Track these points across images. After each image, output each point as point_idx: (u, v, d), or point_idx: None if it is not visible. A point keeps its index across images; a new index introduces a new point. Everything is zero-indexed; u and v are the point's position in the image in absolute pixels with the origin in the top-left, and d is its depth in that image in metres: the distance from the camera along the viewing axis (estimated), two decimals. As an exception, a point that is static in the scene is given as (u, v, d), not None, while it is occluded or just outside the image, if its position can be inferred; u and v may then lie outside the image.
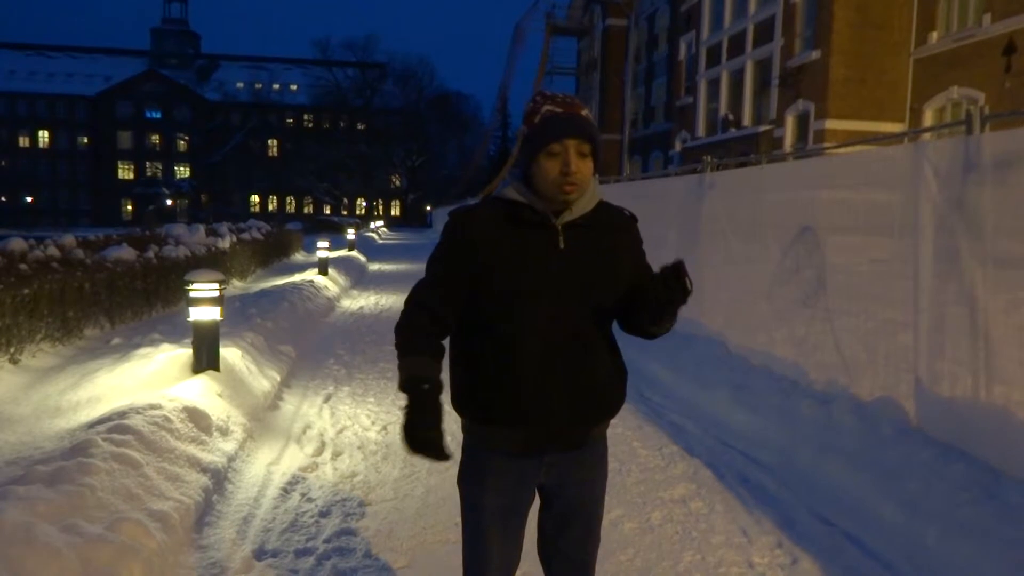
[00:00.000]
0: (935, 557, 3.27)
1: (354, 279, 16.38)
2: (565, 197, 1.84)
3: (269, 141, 77.78)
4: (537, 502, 2.08)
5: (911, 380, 4.38)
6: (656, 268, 2.10)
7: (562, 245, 1.87)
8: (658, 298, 1.80)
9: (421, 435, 1.82)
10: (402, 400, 1.86)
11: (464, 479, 2.03)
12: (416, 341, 1.90)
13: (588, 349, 1.92)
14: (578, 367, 1.90)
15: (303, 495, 4.05)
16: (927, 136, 6.01)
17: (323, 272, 14.06)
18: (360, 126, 75.79)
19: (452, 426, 1.90)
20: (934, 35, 18.47)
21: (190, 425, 4.32)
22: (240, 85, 78.26)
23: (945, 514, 3.44)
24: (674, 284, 1.75)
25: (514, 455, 1.95)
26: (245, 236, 16.53)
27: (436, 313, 1.90)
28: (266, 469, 4.45)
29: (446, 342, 1.96)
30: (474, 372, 1.91)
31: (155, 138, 76.93)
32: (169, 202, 72.92)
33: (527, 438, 1.92)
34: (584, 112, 1.86)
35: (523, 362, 1.86)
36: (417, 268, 17.10)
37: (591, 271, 1.89)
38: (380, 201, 79.55)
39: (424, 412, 1.82)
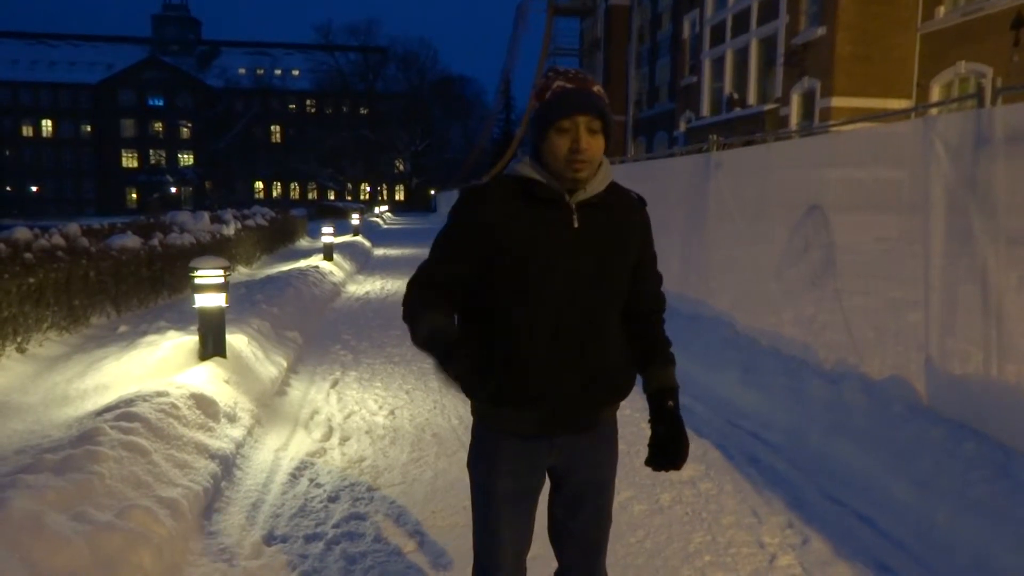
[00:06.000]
0: (946, 536, 3.26)
1: (359, 264, 16.37)
2: (575, 175, 1.80)
3: (272, 127, 77.54)
4: (548, 484, 2.06)
5: (921, 358, 4.34)
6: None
7: (576, 224, 1.84)
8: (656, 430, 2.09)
9: (455, 375, 1.70)
10: (428, 356, 1.77)
11: (474, 462, 2.02)
12: (429, 301, 1.85)
13: (600, 330, 1.89)
14: (590, 348, 1.87)
15: (311, 480, 4.06)
16: (934, 111, 5.92)
17: (328, 258, 14.07)
18: (363, 111, 75.57)
19: (461, 409, 1.88)
20: (941, 10, 18.24)
21: (197, 412, 4.32)
22: (242, 71, 77.87)
23: (956, 493, 3.42)
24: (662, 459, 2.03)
25: (524, 438, 1.93)
26: (250, 223, 16.49)
27: (442, 288, 1.86)
28: (274, 455, 4.46)
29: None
30: (485, 354, 1.86)
31: (158, 126, 76.74)
32: (173, 189, 72.91)
33: (538, 420, 1.90)
34: (596, 88, 1.81)
35: (535, 343, 1.83)
36: (422, 253, 16.87)
37: (605, 251, 1.87)
38: (384, 186, 79.38)
39: (455, 359, 1.70)
